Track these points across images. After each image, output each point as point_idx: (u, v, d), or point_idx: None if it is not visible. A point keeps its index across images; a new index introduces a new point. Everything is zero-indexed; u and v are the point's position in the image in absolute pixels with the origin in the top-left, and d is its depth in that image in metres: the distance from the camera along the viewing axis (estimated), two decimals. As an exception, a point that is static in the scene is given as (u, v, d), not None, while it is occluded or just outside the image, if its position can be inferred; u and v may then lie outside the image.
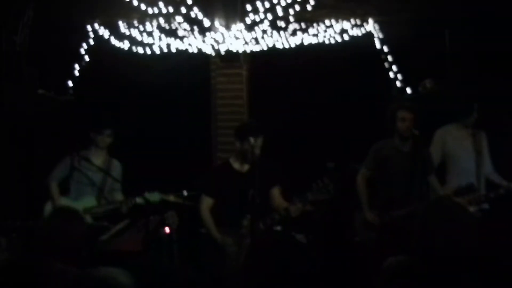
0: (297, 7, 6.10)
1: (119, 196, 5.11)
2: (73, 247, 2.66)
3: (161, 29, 6.41)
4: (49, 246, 2.62)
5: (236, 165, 4.45)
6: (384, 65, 6.31)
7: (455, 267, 2.21)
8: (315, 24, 6.39)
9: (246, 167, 4.37)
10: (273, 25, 6.24)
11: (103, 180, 5.08)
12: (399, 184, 4.66)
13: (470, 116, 5.01)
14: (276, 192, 4.43)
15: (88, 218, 4.91)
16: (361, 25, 6.41)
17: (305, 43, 6.42)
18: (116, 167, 5.21)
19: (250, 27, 6.17)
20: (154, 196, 4.66)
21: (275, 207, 4.33)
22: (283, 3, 6.01)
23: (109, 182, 5.12)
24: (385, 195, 4.76)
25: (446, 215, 2.28)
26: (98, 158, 5.12)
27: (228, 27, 6.19)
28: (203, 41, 6.27)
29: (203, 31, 6.20)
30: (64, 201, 5.04)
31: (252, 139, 4.25)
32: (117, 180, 5.10)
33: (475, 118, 5.02)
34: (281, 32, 6.34)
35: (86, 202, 5.00)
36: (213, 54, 6.45)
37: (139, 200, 4.75)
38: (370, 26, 6.40)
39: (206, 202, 4.47)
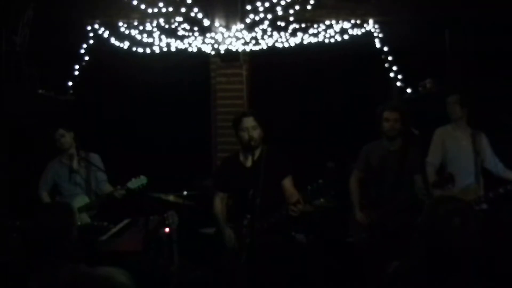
0: (297, 7, 6.11)
1: (108, 187, 5.20)
2: (61, 240, 2.68)
3: (161, 29, 6.42)
4: (38, 245, 2.65)
5: (243, 159, 4.40)
6: (384, 65, 6.32)
7: (457, 266, 2.21)
8: (315, 24, 6.40)
9: (252, 161, 4.32)
10: (273, 25, 6.25)
11: (87, 176, 5.15)
12: (387, 183, 4.69)
13: (453, 113, 5.01)
14: (287, 183, 4.32)
15: (85, 216, 5.00)
16: (361, 25, 6.41)
17: (305, 43, 6.42)
18: (95, 159, 5.25)
19: (250, 27, 6.17)
20: (142, 180, 4.81)
21: (287, 198, 4.28)
22: (283, 3, 6.02)
23: (93, 177, 5.19)
24: (373, 194, 4.79)
25: (451, 213, 2.27)
26: (74, 158, 5.20)
27: (228, 27, 6.19)
28: (203, 41, 6.28)
29: (203, 31, 6.21)
30: None
31: (240, 123, 4.24)
32: (101, 169, 5.16)
33: (460, 114, 4.99)
34: (281, 32, 6.34)
35: (78, 201, 5.06)
36: (213, 53, 6.46)
37: (130, 185, 4.85)
38: (370, 26, 6.40)
39: (219, 197, 4.45)
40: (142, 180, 4.84)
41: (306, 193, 3.94)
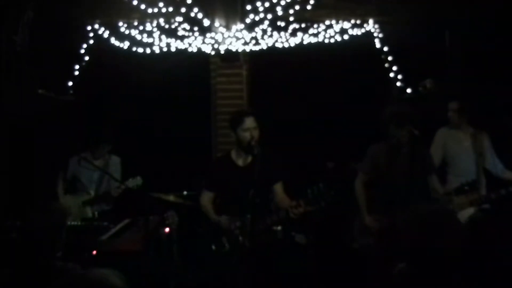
0: (297, 7, 6.10)
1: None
2: (53, 241, 2.68)
3: (161, 29, 6.41)
4: (29, 244, 2.66)
5: (236, 159, 4.35)
6: (384, 65, 6.31)
7: (449, 268, 2.23)
8: (315, 24, 6.39)
9: (246, 161, 4.27)
10: (273, 25, 6.24)
11: (101, 177, 5.43)
12: (398, 187, 4.48)
13: (452, 117, 5.01)
14: (279, 188, 4.30)
15: (88, 210, 5.24)
16: (361, 25, 6.41)
17: (305, 43, 6.42)
18: (114, 163, 5.52)
19: (250, 27, 6.17)
20: (138, 181, 5.03)
21: (277, 203, 4.27)
22: (283, 3, 6.01)
23: (107, 178, 5.40)
24: (384, 198, 4.59)
25: (426, 217, 2.30)
26: (96, 158, 5.43)
27: (228, 27, 6.19)
28: (203, 41, 6.28)
29: (203, 31, 6.20)
30: (68, 198, 5.39)
31: (242, 123, 4.19)
32: (114, 177, 5.28)
33: (458, 121, 5.00)
34: (281, 32, 6.34)
35: (84, 196, 5.36)
36: (213, 54, 6.46)
37: (128, 184, 5.07)
38: (370, 26, 6.40)
39: (207, 195, 4.43)
40: (138, 181, 5.04)
41: (306, 197, 3.91)
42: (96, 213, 5.19)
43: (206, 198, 4.40)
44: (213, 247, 4.19)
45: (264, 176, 4.01)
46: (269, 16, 6.07)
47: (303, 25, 6.37)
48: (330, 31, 6.39)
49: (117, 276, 1.83)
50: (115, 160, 5.53)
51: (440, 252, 2.22)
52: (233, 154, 4.38)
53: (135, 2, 6.11)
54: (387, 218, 4.47)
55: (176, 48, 6.44)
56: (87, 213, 5.22)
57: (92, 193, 5.39)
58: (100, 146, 5.44)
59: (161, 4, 6.06)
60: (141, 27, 6.46)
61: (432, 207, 2.38)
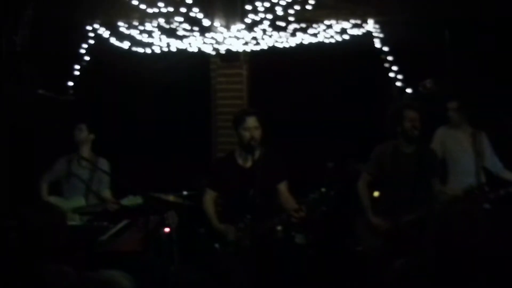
0: (297, 7, 6.10)
1: (106, 193, 5.23)
2: (47, 240, 2.65)
3: (161, 29, 6.41)
4: (24, 244, 2.63)
5: (238, 159, 4.35)
6: (384, 65, 6.31)
7: (468, 266, 2.23)
8: (315, 24, 6.39)
9: (248, 161, 4.28)
10: (273, 25, 6.24)
11: (90, 177, 5.22)
12: (404, 188, 4.46)
13: (451, 116, 5.02)
14: (283, 187, 4.29)
15: (76, 218, 5.00)
16: (361, 25, 6.41)
17: (305, 43, 6.42)
18: (103, 165, 5.30)
19: (250, 27, 6.17)
20: (137, 199, 4.73)
21: (282, 203, 4.26)
22: (283, 3, 6.00)
23: (96, 179, 5.23)
24: (390, 199, 4.55)
25: (462, 216, 2.29)
26: (79, 158, 5.24)
27: (228, 27, 6.19)
28: (203, 41, 6.28)
29: (203, 31, 6.21)
30: (53, 200, 5.16)
31: (243, 122, 4.18)
32: (106, 171, 5.18)
33: (458, 120, 5.01)
34: (281, 32, 6.34)
35: (75, 201, 5.12)
36: (213, 54, 6.46)
37: (124, 202, 4.86)
38: (370, 26, 6.40)
39: (209, 195, 4.41)
40: (137, 199, 4.79)
41: (308, 201, 3.90)
42: (84, 219, 5.02)
43: (209, 199, 4.39)
44: (217, 246, 4.19)
45: (265, 176, 4.01)
46: (269, 16, 6.06)
47: (303, 25, 6.37)
48: (330, 31, 6.39)
49: (126, 278, 1.84)
50: (103, 162, 5.34)
51: (467, 251, 2.22)
52: (236, 154, 4.38)
53: (135, 2, 6.11)
54: (391, 219, 4.45)
55: (176, 48, 6.44)
56: (74, 220, 4.99)
57: (83, 197, 5.18)
58: (76, 127, 5.23)
59: (161, 4, 6.06)
60: (141, 27, 6.46)
61: (462, 206, 2.38)
